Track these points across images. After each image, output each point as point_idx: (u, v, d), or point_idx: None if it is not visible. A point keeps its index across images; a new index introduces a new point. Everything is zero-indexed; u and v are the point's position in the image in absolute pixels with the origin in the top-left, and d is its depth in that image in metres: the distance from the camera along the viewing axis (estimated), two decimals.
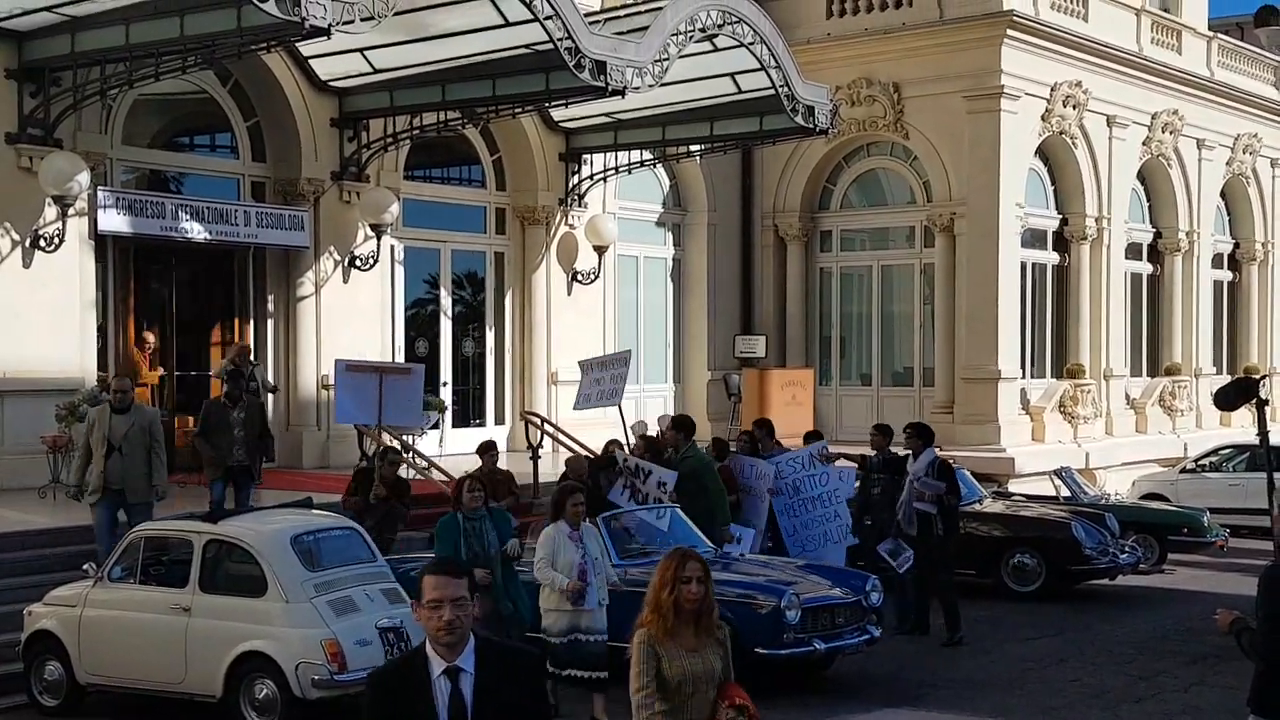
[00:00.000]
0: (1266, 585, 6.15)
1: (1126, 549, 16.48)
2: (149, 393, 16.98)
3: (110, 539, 12.01)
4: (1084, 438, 24.17)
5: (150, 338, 17.37)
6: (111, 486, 12.31)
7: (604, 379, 17.18)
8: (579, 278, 21.79)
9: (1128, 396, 26.10)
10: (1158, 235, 27.68)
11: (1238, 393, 14.83)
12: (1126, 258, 26.31)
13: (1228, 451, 23.92)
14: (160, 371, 17.50)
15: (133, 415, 12.54)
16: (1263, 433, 13.56)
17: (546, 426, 19.04)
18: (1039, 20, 23.03)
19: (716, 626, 5.80)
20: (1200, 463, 23.65)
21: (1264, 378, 12.74)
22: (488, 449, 14.63)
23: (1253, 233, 30.58)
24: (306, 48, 16.76)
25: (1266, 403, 9.42)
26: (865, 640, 11.81)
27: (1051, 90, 23.50)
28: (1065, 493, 19.66)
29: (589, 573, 9.98)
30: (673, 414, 17.52)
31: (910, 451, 13.83)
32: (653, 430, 21.37)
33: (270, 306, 18.43)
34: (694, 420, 16.11)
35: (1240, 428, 28.28)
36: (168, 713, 10.53)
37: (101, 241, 16.38)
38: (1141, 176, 26.99)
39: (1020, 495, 19.38)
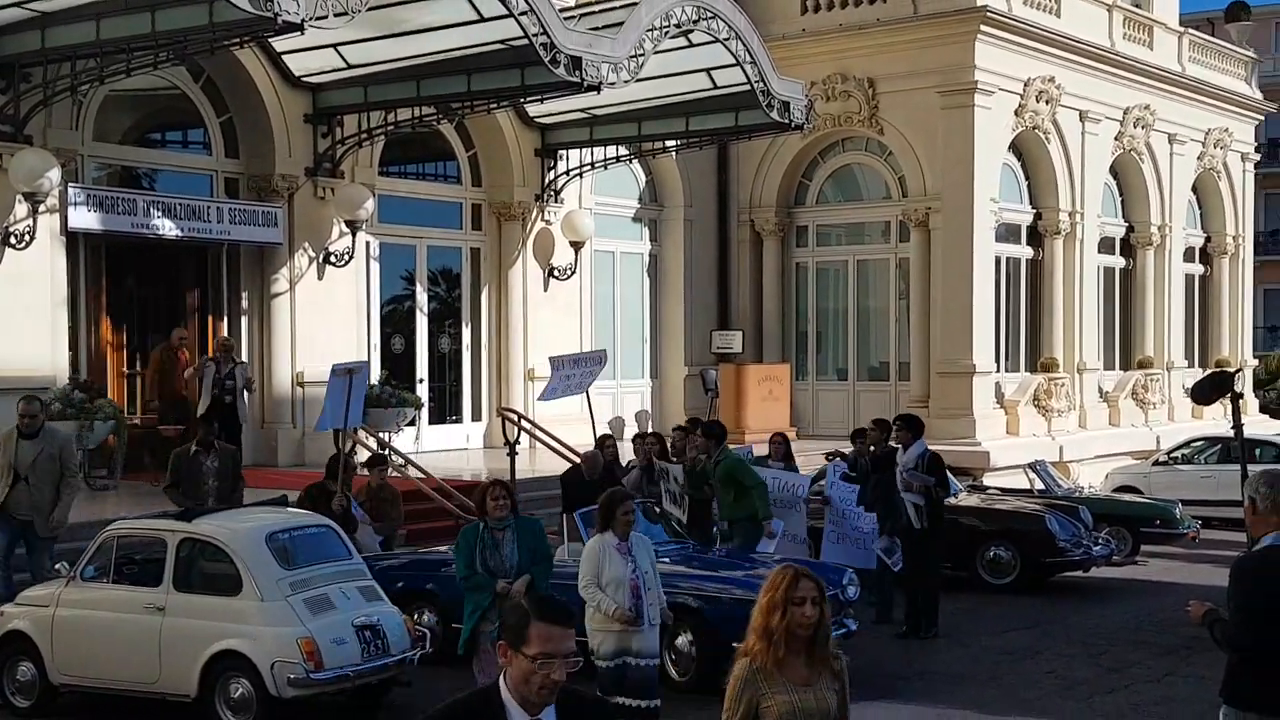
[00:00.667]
0: (1237, 576, 6.17)
1: (1100, 541, 16.56)
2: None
3: (3, 568, 11.59)
4: (1058, 431, 24.28)
5: (181, 337, 17.01)
6: (16, 516, 11.61)
7: (574, 375, 17.04)
8: (555, 273, 21.77)
9: (1101, 390, 26.22)
10: (1130, 229, 27.81)
11: (1213, 386, 14.96)
12: (1099, 252, 26.43)
13: (1200, 444, 24.06)
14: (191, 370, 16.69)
15: (41, 441, 11.67)
16: (1237, 425, 13.67)
17: (524, 423, 19.05)
18: (1012, 16, 23.10)
19: (833, 657, 5.01)
20: (1172, 455, 23.77)
21: (1238, 371, 12.92)
22: (377, 462, 14.07)
23: (1224, 227, 30.75)
24: (280, 43, 16.69)
25: (1241, 396, 9.51)
26: (842, 634, 11.82)
27: (1025, 85, 23.58)
28: (1039, 486, 19.76)
29: (640, 589, 9.01)
30: (699, 420, 16.44)
31: (900, 444, 13.85)
32: (631, 428, 21.47)
33: (244, 303, 18.35)
34: (725, 427, 15.87)
35: (1212, 420, 28.47)
36: (142, 713, 10.46)
37: (73, 239, 16.28)
38: (1114, 171, 27.11)
39: (995, 488, 19.46)
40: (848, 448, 16.11)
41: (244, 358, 18.06)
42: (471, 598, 9.52)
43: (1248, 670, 6.10)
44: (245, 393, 16.38)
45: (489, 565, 9.45)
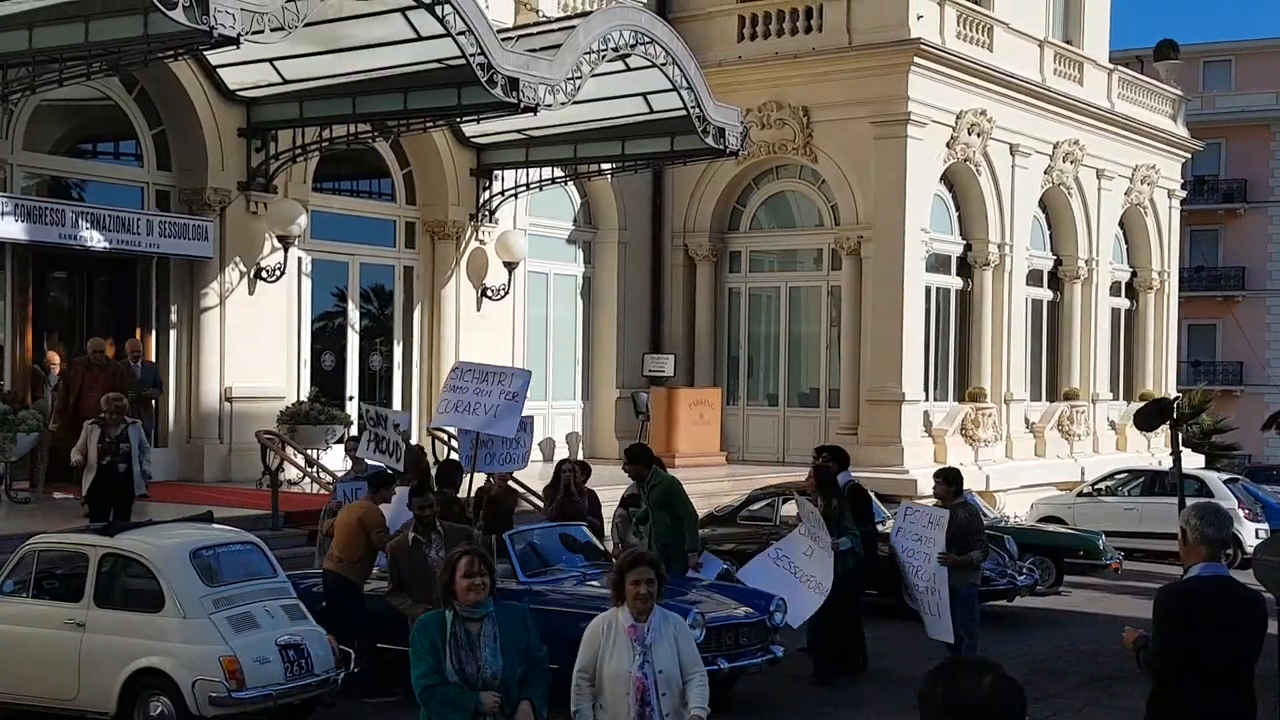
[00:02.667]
0: (1159, 604, 6.30)
1: (1024, 571, 16.72)
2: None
3: None
4: (985, 460, 24.52)
5: (97, 349, 16.34)
6: None
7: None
8: (489, 293, 21.74)
9: (1027, 420, 26.53)
10: (1058, 263, 28.20)
11: (1156, 414, 15.30)
12: (1028, 284, 26.77)
13: (1123, 476, 24.42)
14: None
15: None
16: (1176, 451, 13.94)
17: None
18: (945, 49, 23.41)
19: None
20: (1097, 487, 24.11)
21: (1177, 399, 13.16)
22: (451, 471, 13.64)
23: (1150, 262, 31.25)
24: (215, 56, 16.59)
25: (1181, 423, 9.76)
26: (768, 659, 11.88)
27: (957, 118, 23.89)
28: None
29: (650, 694, 6.57)
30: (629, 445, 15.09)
31: None
32: (561, 450, 21.42)
33: (173, 317, 18.18)
34: (651, 450, 14.88)
35: (1135, 453, 28.92)
36: None
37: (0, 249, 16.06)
38: (1043, 204, 27.50)
39: None
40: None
41: (170, 373, 17.88)
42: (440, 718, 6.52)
43: (1164, 697, 6.23)
44: (142, 459, 13.96)
45: (464, 672, 6.45)
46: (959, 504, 12.68)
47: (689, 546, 13.14)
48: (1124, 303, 30.94)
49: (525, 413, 13.79)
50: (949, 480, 12.86)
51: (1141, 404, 21.17)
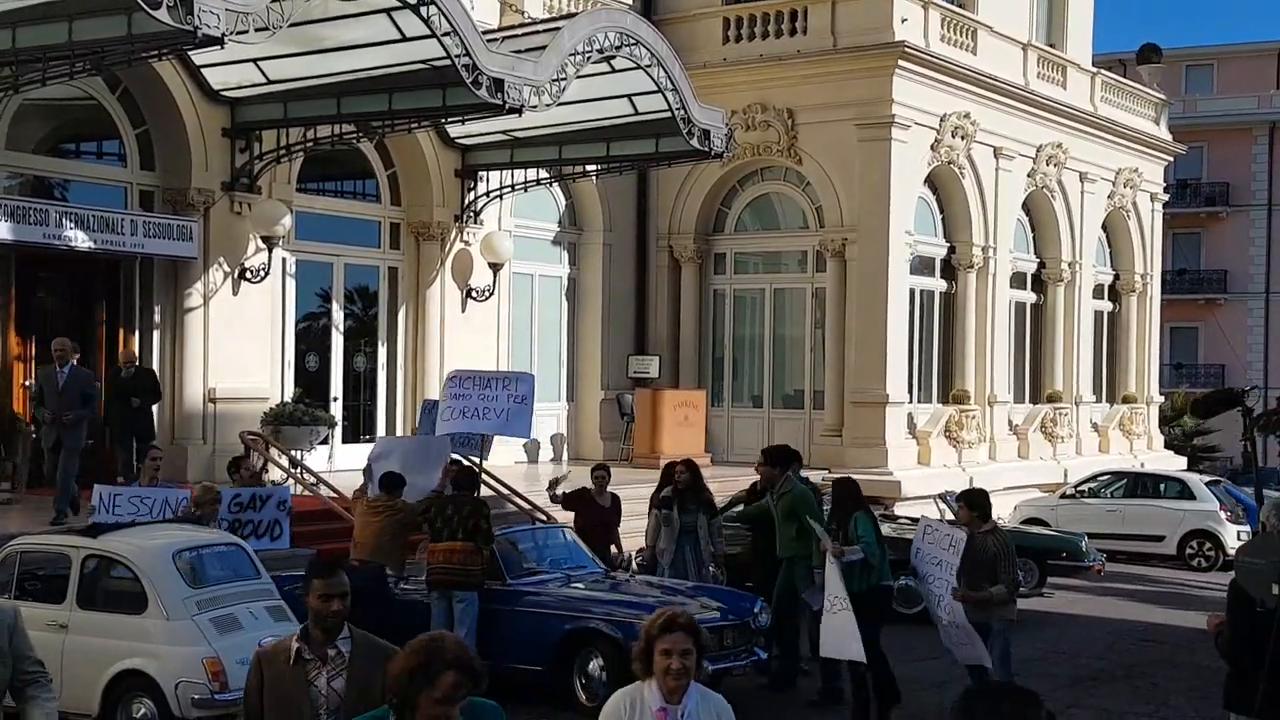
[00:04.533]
0: (1230, 593, 6.70)
1: None
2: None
3: None
4: (968, 462, 24.59)
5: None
6: None
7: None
8: (473, 295, 21.72)
9: (1011, 422, 26.60)
10: (1041, 265, 28.28)
11: (1220, 402, 15.24)
12: (1011, 286, 26.84)
13: (1106, 478, 24.52)
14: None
15: None
16: (1249, 441, 13.76)
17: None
18: (929, 52, 23.47)
19: None
20: (1080, 488, 24.18)
21: (1248, 390, 12.76)
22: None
23: (1132, 265, 31.36)
24: (199, 56, 16.55)
25: (1251, 412, 9.58)
26: (752, 661, 11.89)
27: (941, 121, 23.95)
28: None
29: None
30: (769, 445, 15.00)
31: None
32: (546, 451, 21.42)
33: (157, 318, 18.13)
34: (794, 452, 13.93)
35: (1118, 455, 29.02)
36: None
37: None
38: (1026, 207, 27.58)
39: (905, 518, 19.65)
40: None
41: (156, 372, 17.81)
42: None
43: (1234, 678, 6.72)
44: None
45: None
46: (987, 531, 11.23)
47: (816, 564, 11.87)
48: (1107, 305, 31.04)
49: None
50: (972, 504, 11.40)
51: (1206, 391, 20.79)
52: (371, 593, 11.09)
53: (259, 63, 17.13)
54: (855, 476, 19.02)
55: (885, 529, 17.39)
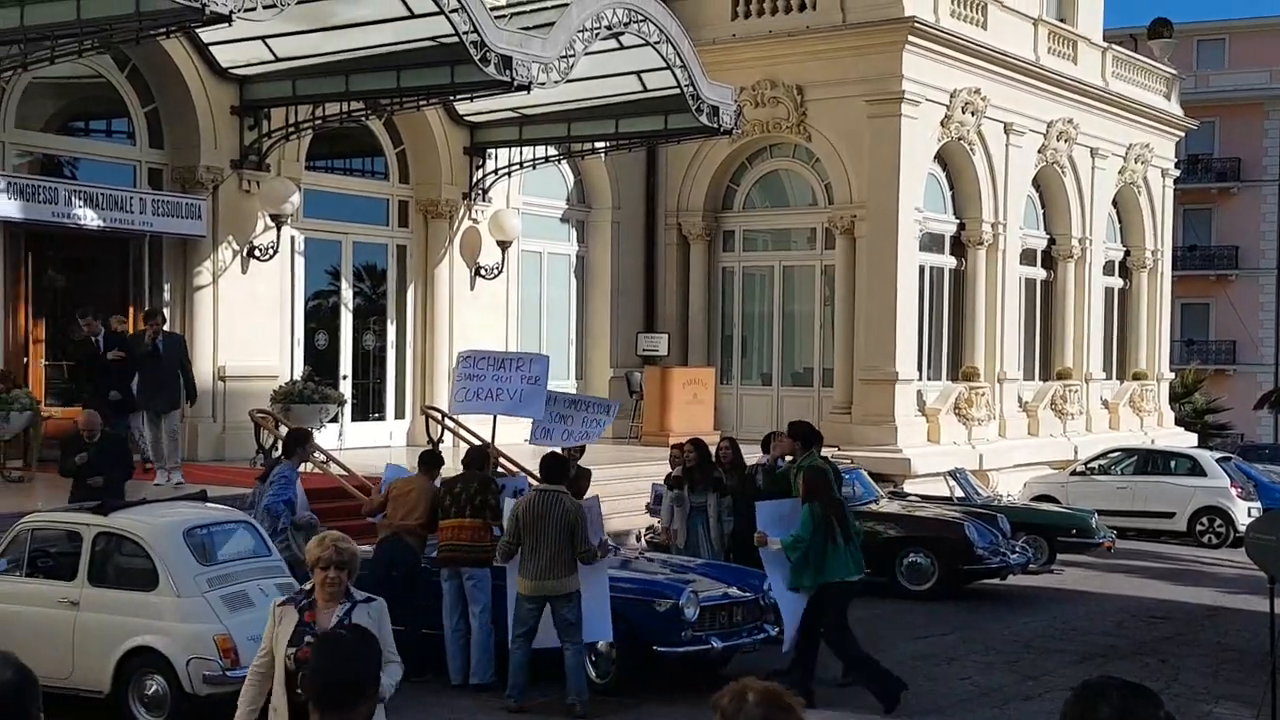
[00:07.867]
0: None
1: (1017, 549, 16.79)
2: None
3: None
4: (978, 439, 24.55)
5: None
6: None
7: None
8: (482, 272, 21.71)
9: (1020, 399, 26.56)
10: (1051, 242, 28.19)
11: None
12: (1021, 263, 26.77)
13: (1116, 455, 24.50)
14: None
15: None
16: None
17: (448, 421, 18.97)
18: (939, 28, 23.36)
19: None
20: (1090, 466, 24.18)
21: None
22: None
23: (1143, 241, 31.25)
24: (207, 34, 16.50)
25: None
26: (762, 638, 11.90)
27: (951, 96, 23.85)
28: (959, 493, 20.01)
29: None
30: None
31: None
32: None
33: (166, 296, 18.13)
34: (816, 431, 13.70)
35: (1128, 432, 28.97)
36: (53, 709, 10.29)
37: None
38: (1037, 184, 27.48)
39: (915, 495, 19.67)
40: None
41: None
42: None
43: None
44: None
45: None
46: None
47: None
48: (1117, 282, 30.95)
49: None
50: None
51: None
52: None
53: (267, 40, 17.10)
54: (865, 454, 18.97)
55: (893, 507, 17.53)
